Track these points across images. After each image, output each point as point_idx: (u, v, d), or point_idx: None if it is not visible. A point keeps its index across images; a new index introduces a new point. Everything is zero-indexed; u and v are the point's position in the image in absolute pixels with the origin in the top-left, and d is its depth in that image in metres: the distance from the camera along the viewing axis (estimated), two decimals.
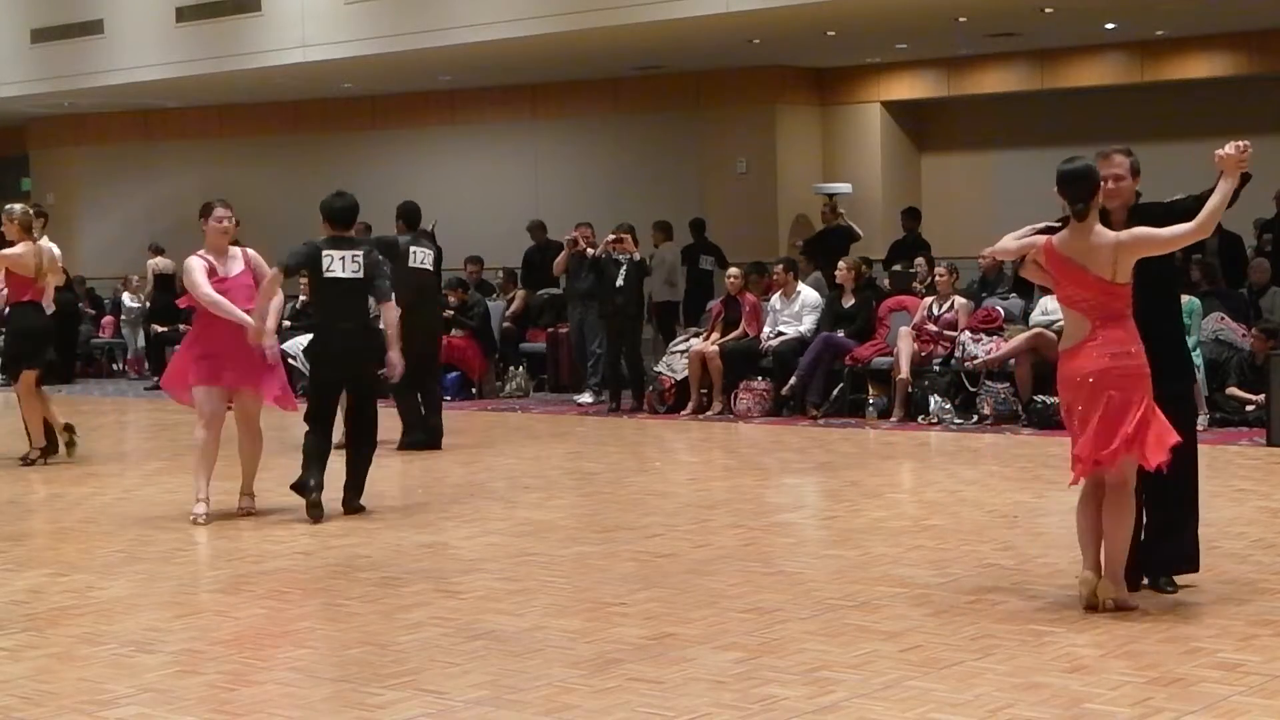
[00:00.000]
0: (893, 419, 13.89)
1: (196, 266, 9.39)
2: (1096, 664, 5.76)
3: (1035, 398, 13.21)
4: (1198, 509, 6.90)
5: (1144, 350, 6.38)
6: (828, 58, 20.26)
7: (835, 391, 14.49)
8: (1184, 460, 6.61)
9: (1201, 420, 12.78)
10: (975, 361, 13.77)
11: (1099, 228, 6.42)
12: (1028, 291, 14.65)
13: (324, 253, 9.32)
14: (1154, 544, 6.76)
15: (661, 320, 18.50)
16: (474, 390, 16.96)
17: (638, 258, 15.60)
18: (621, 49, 18.57)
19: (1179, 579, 6.85)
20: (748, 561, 7.88)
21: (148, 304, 20.53)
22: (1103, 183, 6.54)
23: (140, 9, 20.88)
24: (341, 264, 9.31)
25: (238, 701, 5.59)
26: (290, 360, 11.72)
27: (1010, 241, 6.65)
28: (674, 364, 15.43)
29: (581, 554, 8.18)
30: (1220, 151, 6.36)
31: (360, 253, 9.40)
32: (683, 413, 14.96)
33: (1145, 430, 6.31)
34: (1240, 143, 6.34)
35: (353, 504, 9.55)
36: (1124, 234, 6.41)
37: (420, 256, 12.75)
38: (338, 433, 9.85)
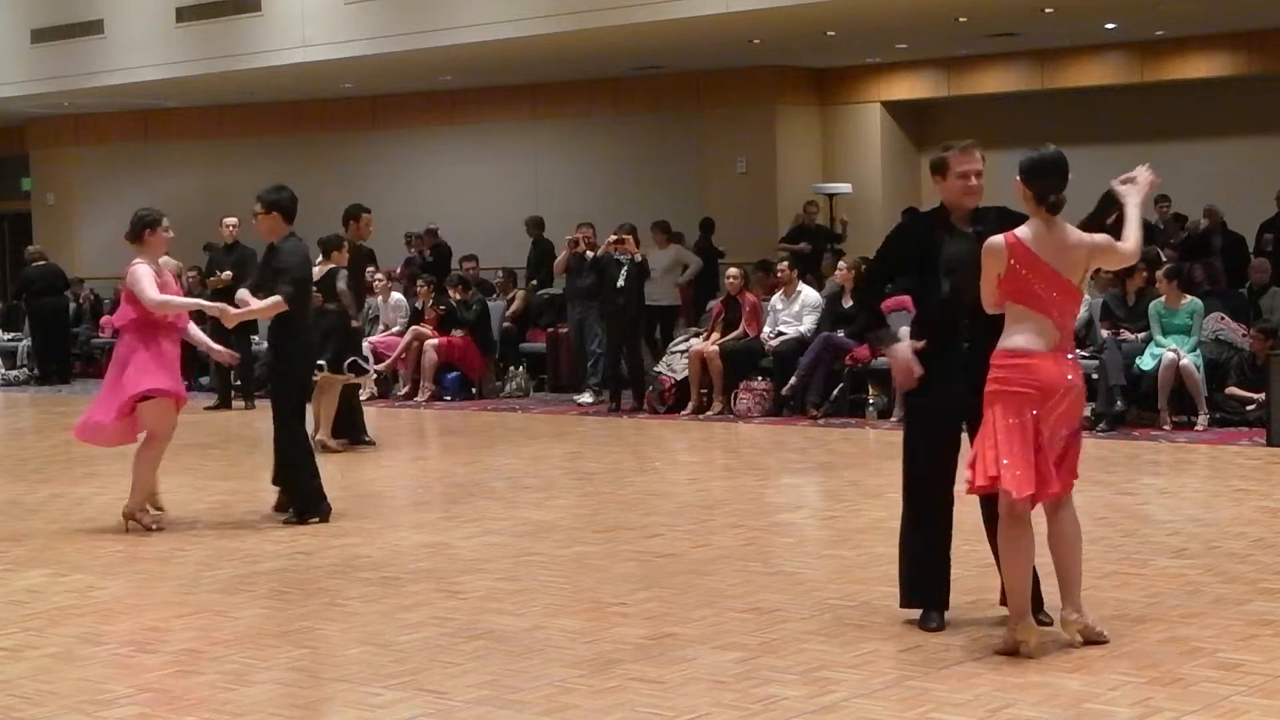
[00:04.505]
0: (893, 419, 13.87)
1: (145, 274, 9.13)
2: (1096, 664, 5.76)
3: None
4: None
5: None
6: (828, 58, 20.25)
7: (835, 391, 14.49)
8: None
9: (1201, 420, 12.82)
10: None
11: (1068, 226, 5.99)
12: None
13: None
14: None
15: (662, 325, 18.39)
16: (474, 390, 16.95)
17: (639, 258, 15.60)
18: (621, 49, 18.57)
19: None
20: (748, 561, 7.88)
21: None
22: (964, 179, 6.26)
23: (140, 9, 20.88)
24: None
25: (238, 701, 5.59)
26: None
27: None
28: (674, 364, 15.42)
29: (581, 554, 8.18)
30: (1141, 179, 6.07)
31: None
32: (683, 413, 14.96)
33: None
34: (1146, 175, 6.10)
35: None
36: (1096, 238, 6.02)
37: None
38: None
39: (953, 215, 6.35)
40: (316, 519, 9.21)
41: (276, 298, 9.16)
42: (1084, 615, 6.01)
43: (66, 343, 20.96)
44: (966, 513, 8.40)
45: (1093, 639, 6.00)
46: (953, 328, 6.23)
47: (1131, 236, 5.99)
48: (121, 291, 9.47)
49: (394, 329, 17.28)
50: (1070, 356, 5.97)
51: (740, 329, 15.13)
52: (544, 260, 19.18)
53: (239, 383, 16.68)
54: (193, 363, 16.65)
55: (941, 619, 6.36)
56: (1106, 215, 6.12)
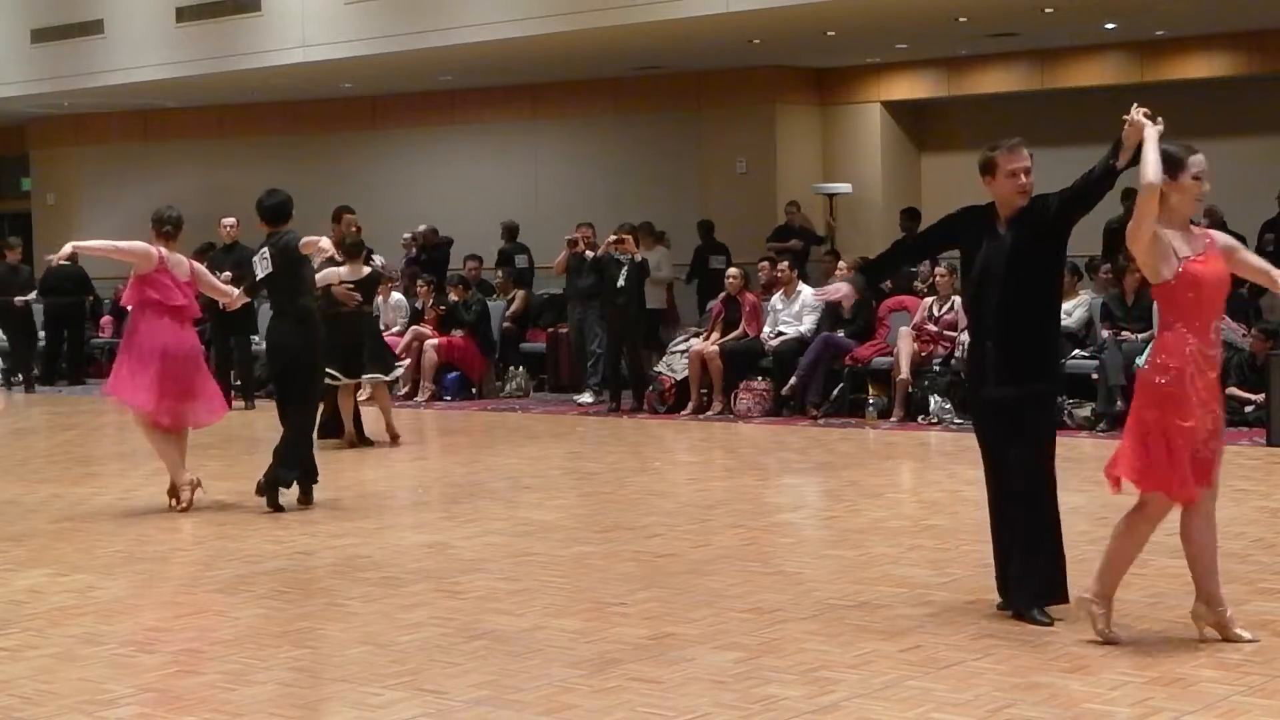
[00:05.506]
0: (893, 419, 13.89)
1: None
2: (1096, 664, 5.76)
3: None
4: (1058, 533, 6.37)
5: (1165, 367, 5.81)
6: (828, 58, 20.24)
7: (835, 391, 14.49)
8: (1039, 478, 6.23)
9: None
10: None
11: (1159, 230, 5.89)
12: None
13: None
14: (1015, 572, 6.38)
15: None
16: (474, 390, 16.96)
17: (639, 258, 15.60)
18: (621, 49, 18.56)
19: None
20: (748, 561, 7.88)
21: None
22: (1013, 177, 6.23)
23: (140, 9, 20.87)
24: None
25: (238, 701, 5.59)
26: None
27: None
28: (674, 364, 15.42)
29: (581, 554, 8.18)
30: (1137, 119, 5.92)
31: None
32: (683, 413, 14.96)
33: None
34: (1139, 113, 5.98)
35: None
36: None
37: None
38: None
39: (1000, 215, 6.36)
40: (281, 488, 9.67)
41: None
42: (1100, 609, 6.09)
43: (76, 344, 20.93)
44: (965, 512, 8.41)
45: (1108, 641, 6.06)
46: (981, 327, 6.45)
47: (1145, 164, 5.79)
48: (153, 276, 9.80)
49: (394, 329, 17.28)
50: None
51: (740, 329, 15.13)
52: (511, 262, 19.32)
53: (239, 383, 16.67)
54: None
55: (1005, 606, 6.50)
56: (1111, 159, 6.15)
